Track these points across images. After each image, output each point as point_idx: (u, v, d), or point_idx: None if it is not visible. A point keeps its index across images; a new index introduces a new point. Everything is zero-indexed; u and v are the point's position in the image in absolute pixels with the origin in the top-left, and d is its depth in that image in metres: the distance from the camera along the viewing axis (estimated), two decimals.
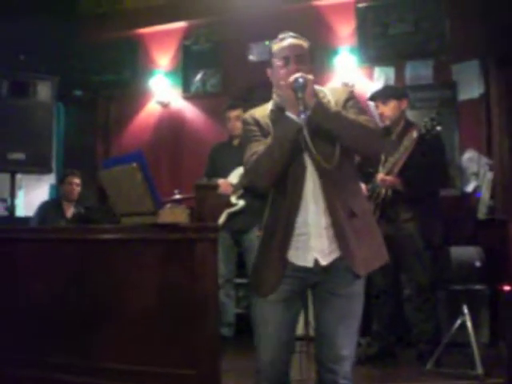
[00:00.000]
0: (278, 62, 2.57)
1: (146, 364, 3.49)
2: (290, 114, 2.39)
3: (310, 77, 2.40)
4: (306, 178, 2.46)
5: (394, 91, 4.71)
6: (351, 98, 2.57)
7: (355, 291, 2.51)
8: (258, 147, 2.48)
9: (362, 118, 2.47)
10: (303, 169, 2.46)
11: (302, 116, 2.31)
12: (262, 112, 2.62)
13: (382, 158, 4.39)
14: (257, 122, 2.59)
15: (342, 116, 2.44)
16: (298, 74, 2.37)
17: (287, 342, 2.57)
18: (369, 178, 4.42)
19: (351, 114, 2.47)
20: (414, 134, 4.28)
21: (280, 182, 2.49)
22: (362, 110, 2.59)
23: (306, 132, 2.36)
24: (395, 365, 4.50)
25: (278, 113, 2.49)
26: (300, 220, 2.46)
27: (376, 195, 4.38)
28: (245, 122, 2.65)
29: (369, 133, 2.47)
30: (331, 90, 2.60)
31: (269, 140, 2.46)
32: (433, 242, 4.54)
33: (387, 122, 4.50)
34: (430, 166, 4.33)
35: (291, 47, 2.54)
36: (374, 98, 4.67)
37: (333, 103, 2.52)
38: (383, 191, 4.37)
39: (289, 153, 2.42)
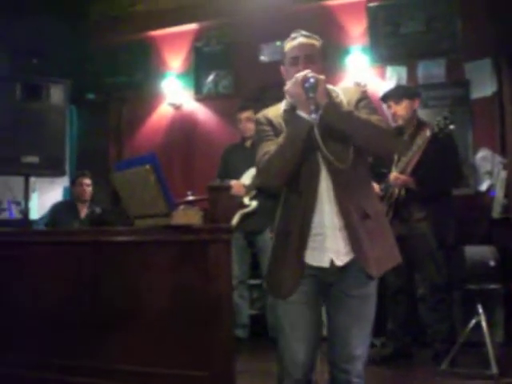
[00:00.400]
0: (288, 61, 2.58)
1: (159, 366, 3.50)
2: (301, 113, 2.38)
3: (322, 77, 2.40)
4: (321, 178, 2.46)
5: (406, 91, 4.70)
6: (364, 98, 2.56)
7: (368, 292, 2.51)
8: (271, 147, 2.48)
9: (374, 118, 2.46)
10: (317, 168, 2.46)
11: (314, 116, 2.31)
12: (275, 112, 2.62)
13: (395, 157, 4.38)
14: (270, 122, 2.59)
15: (354, 116, 2.43)
16: (310, 74, 2.36)
17: (315, 342, 2.56)
18: (382, 178, 4.41)
19: (363, 114, 2.46)
20: (427, 133, 4.27)
21: (293, 181, 2.49)
22: (374, 110, 2.58)
23: (316, 132, 2.36)
24: (410, 365, 4.49)
25: (291, 112, 2.48)
26: (316, 220, 2.45)
27: (389, 195, 4.38)
28: (258, 122, 2.65)
29: (381, 133, 2.46)
30: (343, 90, 2.59)
31: (280, 139, 2.46)
32: (446, 241, 4.52)
33: (400, 122, 4.49)
34: (443, 165, 4.32)
35: (301, 47, 2.55)
36: (386, 97, 4.65)
37: (345, 103, 2.52)
38: (396, 191, 4.37)
39: (300, 152, 2.41)
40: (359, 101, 2.54)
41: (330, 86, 2.50)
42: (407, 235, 4.21)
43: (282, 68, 2.65)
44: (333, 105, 2.39)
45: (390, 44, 6.30)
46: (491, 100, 5.80)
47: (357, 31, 6.41)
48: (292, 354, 2.53)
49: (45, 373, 3.77)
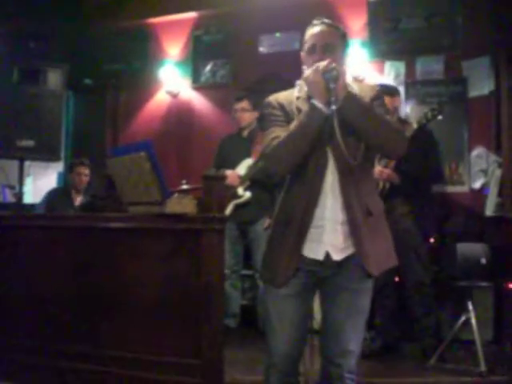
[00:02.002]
0: (305, 49, 2.53)
1: (149, 353, 3.52)
2: (317, 103, 2.35)
3: (344, 68, 2.37)
4: (327, 172, 2.43)
5: (386, 88, 4.70)
6: (378, 97, 2.52)
7: (364, 286, 2.52)
8: (281, 133, 2.43)
9: (387, 118, 2.46)
10: (325, 162, 2.43)
11: (333, 107, 2.27)
12: (288, 97, 2.56)
13: None
14: (281, 107, 2.53)
15: (373, 112, 2.40)
16: (333, 65, 2.31)
17: (301, 335, 2.57)
18: None
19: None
20: (410, 131, 4.30)
21: (299, 172, 2.47)
22: (387, 110, 2.56)
23: (336, 124, 2.29)
24: (399, 359, 4.52)
25: (306, 101, 2.45)
26: (317, 213, 2.43)
27: None
28: (268, 105, 2.57)
29: (395, 133, 2.43)
30: (359, 86, 2.54)
31: (292, 127, 2.41)
32: (428, 236, 4.56)
33: None
34: (424, 161, 4.37)
35: (320, 34, 2.49)
36: None
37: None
38: (381, 184, 4.39)
39: (311, 142, 2.38)
40: (374, 99, 2.49)
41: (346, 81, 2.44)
42: (391, 229, 4.22)
43: (301, 54, 2.59)
44: (353, 98, 2.34)
45: (389, 39, 6.29)
46: (488, 98, 5.80)
47: (356, 25, 6.39)
48: (277, 344, 2.53)
49: (36, 358, 3.79)
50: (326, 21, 2.54)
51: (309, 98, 2.43)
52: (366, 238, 2.44)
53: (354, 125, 2.37)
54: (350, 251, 2.44)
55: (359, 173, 2.44)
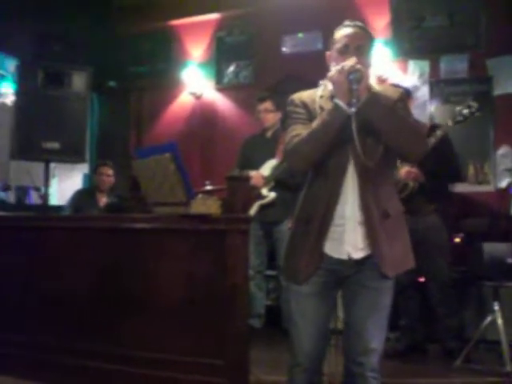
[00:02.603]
0: (337, 49, 2.53)
1: (174, 353, 3.53)
2: (340, 102, 2.36)
3: (368, 71, 2.39)
4: (348, 171, 2.45)
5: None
6: (402, 100, 2.52)
7: (385, 285, 2.51)
8: (302, 130, 2.45)
9: (410, 120, 2.46)
10: (346, 161, 2.44)
11: (353, 108, 2.29)
12: (311, 96, 2.58)
13: None
14: (304, 105, 2.55)
15: (394, 113, 2.40)
16: (357, 66, 2.32)
17: (324, 333, 2.58)
18: None
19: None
20: (439, 133, 4.27)
21: (320, 170, 2.49)
22: (410, 113, 2.56)
23: (354, 125, 2.30)
24: (424, 360, 4.48)
25: (329, 100, 2.46)
26: (338, 212, 2.45)
27: (400, 189, 4.36)
28: (292, 103, 2.60)
29: (415, 134, 2.43)
30: (382, 89, 2.54)
31: (314, 125, 2.43)
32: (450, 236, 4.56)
33: None
34: (442, 160, 4.34)
35: (352, 36, 2.50)
36: None
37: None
38: (411, 184, 4.36)
39: (332, 140, 2.39)
40: (398, 101, 2.49)
41: (370, 83, 2.45)
42: (417, 228, 4.21)
43: (326, 54, 2.60)
44: (374, 99, 2.35)
45: (412, 38, 6.26)
46: None
47: (380, 24, 6.37)
48: (300, 342, 2.55)
49: (62, 357, 3.82)
50: (358, 23, 2.55)
51: (332, 97, 2.43)
52: (383, 240, 2.44)
53: (376, 126, 2.37)
54: (368, 251, 2.46)
55: (378, 175, 2.44)
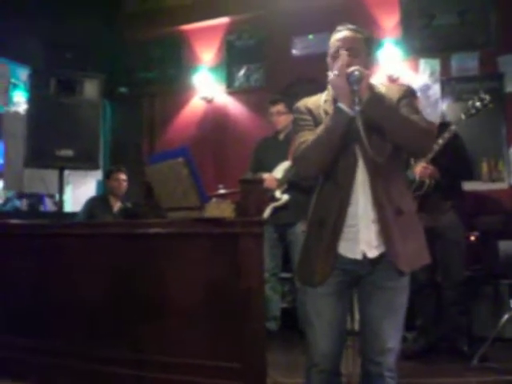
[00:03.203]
0: (330, 54, 2.58)
1: (191, 357, 3.53)
2: (342, 105, 2.40)
3: (366, 71, 2.40)
4: (357, 170, 2.47)
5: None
6: (406, 97, 2.55)
7: (400, 284, 2.52)
8: (309, 136, 2.49)
9: (414, 117, 2.46)
10: (355, 161, 2.47)
11: (356, 108, 2.32)
12: (316, 102, 2.62)
13: None
14: (309, 111, 2.60)
15: (396, 113, 2.43)
16: (356, 67, 2.37)
17: (340, 333, 2.59)
18: None
19: (405, 113, 2.46)
20: (454, 128, 4.26)
21: (330, 172, 2.51)
22: (416, 109, 2.57)
23: (360, 124, 2.34)
24: (441, 360, 4.46)
25: (332, 103, 2.50)
26: (350, 212, 2.47)
27: (417, 187, 4.34)
28: (297, 111, 2.65)
29: (420, 132, 2.44)
30: (387, 87, 2.59)
31: (319, 129, 2.46)
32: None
33: None
34: (456, 157, 4.35)
35: (344, 40, 2.54)
36: None
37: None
38: (427, 182, 4.35)
39: (338, 143, 2.43)
40: (401, 99, 2.53)
41: (372, 82, 2.49)
42: (435, 226, 4.21)
43: (327, 59, 2.63)
44: (375, 99, 2.38)
45: (423, 36, 6.25)
46: None
47: (389, 24, 6.37)
48: (317, 343, 2.56)
49: (79, 363, 3.84)
50: (350, 26, 2.60)
51: (335, 100, 2.47)
52: (397, 237, 2.45)
53: (379, 125, 2.40)
54: (382, 249, 2.47)
55: (389, 172, 2.47)
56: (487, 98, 4.35)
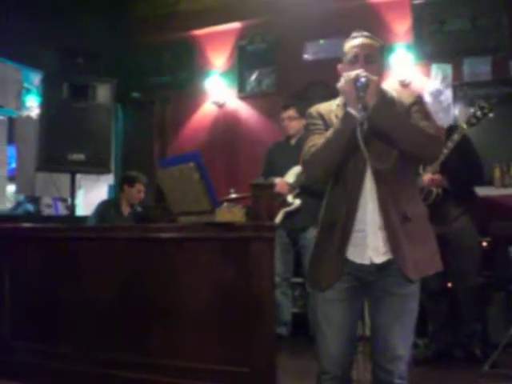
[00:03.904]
0: (347, 60, 2.60)
1: (201, 361, 3.53)
2: (351, 110, 2.42)
3: (374, 77, 2.42)
4: (366, 176, 2.48)
5: None
6: (417, 103, 2.57)
7: (410, 290, 2.51)
8: (318, 140, 2.51)
9: (423, 124, 2.47)
10: (363, 166, 2.47)
11: (360, 114, 2.35)
12: (328, 107, 2.65)
13: None
14: (321, 116, 2.62)
15: (402, 120, 2.45)
16: (363, 74, 2.39)
17: (350, 339, 2.58)
18: None
19: (415, 119, 2.48)
20: (456, 137, 4.25)
21: (339, 177, 2.53)
22: (427, 115, 2.58)
23: (358, 131, 2.38)
24: (452, 366, 4.43)
25: (343, 108, 2.51)
26: (359, 217, 2.47)
27: (424, 196, 4.33)
28: (309, 116, 2.68)
29: (427, 139, 2.44)
30: (398, 93, 2.61)
31: (328, 133, 2.49)
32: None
33: None
34: (465, 163, 4.33)
35: (361, 46, 2.56)
36: None
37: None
38: (435, 191, 4.33)
39: (345, 148, 2.44)
40: (412, 105, 2.55)
41: (384, 88, 2.50)
42: (446, 233, 4.20)
43: (339, 66, 2.65)
44: (382, 106, 2.40)
45: (434, 41, 6.23)
46: None
47: (401, 29, 6.36)
48: (327, 350, 2.56)
49: (90, 366, 3.84)
50: (366, 33, 2.62)
51: (345, 105, 2.49)
52: (404, 243, 2.45)
53: (386, 131, 2.41)
54: (389, 255, 2.46)
55: (396, 178, 2.47)
56: (487, 106, 4.33)
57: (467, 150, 4.41)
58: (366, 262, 2.47)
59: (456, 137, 4.27)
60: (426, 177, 4.32)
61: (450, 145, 4.26)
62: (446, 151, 4.25)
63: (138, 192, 5.99)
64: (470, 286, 4.38)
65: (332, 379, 2.55)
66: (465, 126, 4.33)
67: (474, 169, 4.48)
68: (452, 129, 4.45)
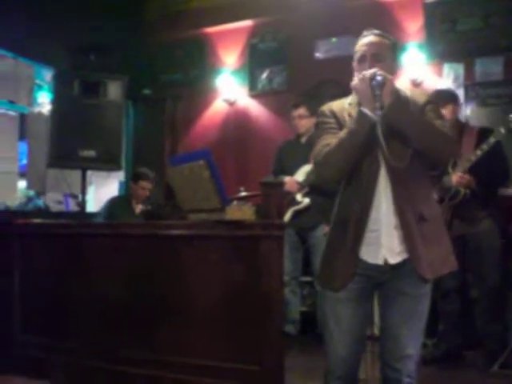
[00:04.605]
0: (356, 58, 2.59)
1: (210, 359, 3.54)
2: (365, 110, 2.40)
3: (389, 76, 2.40)
4: (380, 175, 2.46)
5: (451, 95, 4.64)
6: (430, 102, 2.55)
7: (423, 291, 2.50)
8: (331, 139, 2.50)
9: (437, 123, 2.46)
10: (377, 165, 2.46)
11: (378, 113, 2.33)
12: (340, 105, 2.63)
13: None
14: (334, 115, 2.60)
15: (418, 118, 2.43)
16: (378, 72, 2.38)
17: (359, 339, 2.58)
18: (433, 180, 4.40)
19: (429, 118, 2.47)
20: (492, 140, 4.21)
21: (353, 176, 2.51)
22: (440, 115, 2.57)
23: (379, 129, 2.36)
24: (461, 367, 4.42)
25: (355, 107, 2.50)
26: (372, 216, 2.46)
27: (452, 196, 4.32)
28: (321, 114, 2.66)
29: (442, 138, 2.43)
30: (411, 92, 2.58)
31: (342, 133, 2.47)
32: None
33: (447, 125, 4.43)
34: (493, 165, 4.28)
35: (369, 45, 2.55)
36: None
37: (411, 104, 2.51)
38: (462, 191, 4.31)
39: (360, 148, 2.43)
40: (426, 104, 2.53)
41: (397, 87, 2.48)
42: (470, 233, 4.22)
43: (353, 64, 2.64)
44: (398, 104, 2.38)
45: (446, 41, 6.21)
46: None
47: (413, 28, 6.34)
48: (335, 349, 2.56)
49: (98, 362, 3.86)
50: (376, 31, 2.60)
51: (359, 104, 2.48)
52: (420, 243, 2.44)
53: (401, 130, 2.40)
54: (404, 255, 2.45)
55: (412, 177, 2.46)
56: (497, 133, 4.26)
57: (498, 153, 4.35)
58: (380, 261, 2.46)
59: (491, 140, 4.22)
60: (455, 176, 4.31)
61: (485, 147, 4.21)
62: (479, 153, 4.22)
63: (141, 189, 6.00)
64: (490, 288, 4.36)
65: (338, 379, 2.55)
66: (502, 131, 4.26)
67: (501, 173, 4.44)
68: (484, 131, 4.39)
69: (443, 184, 4.36)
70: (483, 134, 4.36)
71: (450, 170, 4.34)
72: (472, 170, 4.28)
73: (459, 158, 4.30)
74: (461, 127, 4.50)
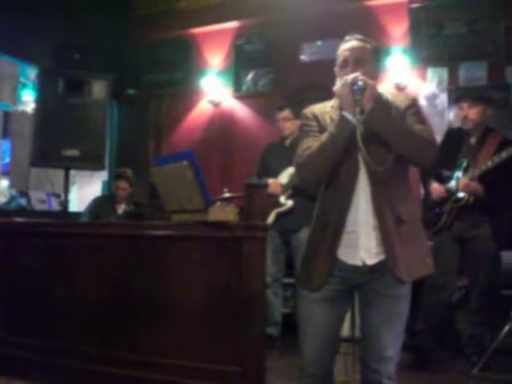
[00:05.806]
0: (338, 64, 2.60)
1: (192, 359, 3.54)
2: (346, 114, 2.42)
3: (371, 81, 2.41)
4: (359, 177, 2.48)
5: (483, 95, 4.63)
6: (412, 107, 2.56)
7: (401, 292, 2.51)
8: (313, 143, 2.50)
9: (418, 128, 2.47)
10: (357, 168, 2.48)
11: (358, 118, 2.34)
12: (322, 108, 2.64)
13: (465, 163, 4.36)
14: (315, 118, 2.61)
15: (398, 124, 2.44)
16: (360, 77, 2.38)
17: (331, 341, 2.59)
18: (443, 179, 4.42)
19: (410, 123, 2.48)
20: (505, 154, 4.17)
21: (332, 178, 2.52)
22: (421, 119, 2.58)
23: (358, 134, 2.38)
24: (441, 369, 4.43)
25: (337, 111, 2.50)
26: (351, 218, 2.47)
27: (455, 199, 4.33)
28: (304, 117, 2.67)
29: (421, 143, 2.44)
30: (394, 96, 2.59)
31: (323, 137, 2.48)
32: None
33: (469, 126, 4.43)
34: (507, 175, 4.24)
35: (351, 49, 2.55)
36: (460, 98, 4.58)
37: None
38: (466, 197, 4.32)
39: (341, 151, 2.44)
40: (408, 108, 2.54)
41: (379, 91, 2.48)
42: (468, 236, 4.27)
43: (335, 69, 2.65)
44: (378, 110, 2.39)
45: (431, 45, 6.25)
46: None
47: (398, 32, 6.38)
48: (307, 348, 2.58)
49: (79, 362, 3.85)
50: (358, 36, 2.61)
51: (341, 108, 2.48)
52: (397, 245, 2.45)
53: (381, 134, 2.41)
54: (382, 256, 2.47)
55: (391, 180, 2.46)
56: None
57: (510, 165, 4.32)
58: (359, 262, 2.47)
59: (504, 154, 4.18)
60: (463, 181, 4.32)
61: (497, 160, 4.19)
62: (489, 164, 4.22)
63: (117, 189, 6.00)
64: (481, 290, 4.36)
65: (309, 376, 2.57)
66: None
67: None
68: (506, 141, 4.33)
69: (449, 188, 4.37)
70: (504, 143, 4.33)
71: (460, 174, 4.34)
72: (485, 178, 4.26)
73: (474, 163, 4.31)
74: (485, 131, 4.47)
